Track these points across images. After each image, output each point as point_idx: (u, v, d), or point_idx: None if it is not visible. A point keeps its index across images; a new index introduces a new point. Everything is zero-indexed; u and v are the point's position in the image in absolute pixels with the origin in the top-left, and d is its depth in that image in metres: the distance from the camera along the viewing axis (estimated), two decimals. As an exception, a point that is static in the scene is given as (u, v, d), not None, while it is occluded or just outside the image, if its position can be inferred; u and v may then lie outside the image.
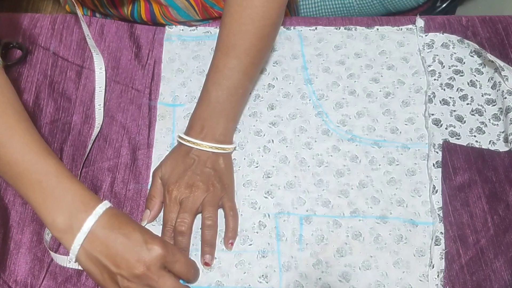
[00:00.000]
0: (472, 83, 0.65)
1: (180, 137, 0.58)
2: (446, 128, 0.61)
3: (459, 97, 0.64)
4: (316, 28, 0.69)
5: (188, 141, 0.56)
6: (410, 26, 0.69)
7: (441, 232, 0.55)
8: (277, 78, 0.65)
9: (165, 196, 0.56)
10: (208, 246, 0.54)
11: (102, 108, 0.63)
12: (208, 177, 0.56)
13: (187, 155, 0.57)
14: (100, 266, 0.48)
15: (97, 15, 0.73)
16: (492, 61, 0.63)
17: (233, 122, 0.60)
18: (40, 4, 1.45)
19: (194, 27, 0.70)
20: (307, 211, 0.57)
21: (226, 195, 0.56)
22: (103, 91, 0.64)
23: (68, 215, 0.47)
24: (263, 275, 0.53)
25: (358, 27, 0.69)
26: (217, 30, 0.69)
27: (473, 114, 0.62)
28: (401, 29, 0.69)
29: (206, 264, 0.53)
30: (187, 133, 0.58)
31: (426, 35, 0.68)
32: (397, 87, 0.65)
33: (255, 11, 0.56)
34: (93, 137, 0.61)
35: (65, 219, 0.47)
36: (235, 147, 0.60)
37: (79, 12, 0.66)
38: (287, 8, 0.73)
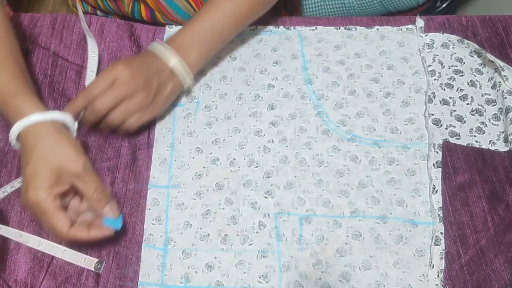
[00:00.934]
0: (472, 83, 0.65)
1: (153, 43, 0.58)
2: (446, 128, 0.61)
3: (459, 97, 0.64)
4: (316, 28, 0.69)
5: (163, 47, 0.57)
6: (410, 26, 0.69)
7: (441, 232, 0.55)
8: (277, 78, 0.65)
9: (109, 67, 0.55)
10: (88, 127, 0.56)
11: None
12: (150, 85, 0.55)
13: (151, 58, 0.57)
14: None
15: (98, 12, 0.73)
16: (492, 61, 0.63)
17: (205, 58, 0.61)
18: (40, 3, 1.45)
19: (194, 27, 0.70)
20: (307, 211, 0.57)
21: (146, 110, 0.56)
22: (94, 75, 0.63)
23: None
24: (263, 275, 0.53)
25: (358, 27, 0.69)
26: (217, 30, 0.69)
27: (473, 114, 0.62)
28: (401, 29, 0.69)
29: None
30: (162, 44, 0.58)
31: (426, 35, 0.68)
32: (397, 87, 0.65)
33: None
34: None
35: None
36: (190, 86, 0.61)
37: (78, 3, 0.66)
38: (283, 9, 0.73)
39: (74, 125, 0.54)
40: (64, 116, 0.52)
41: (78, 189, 0.50)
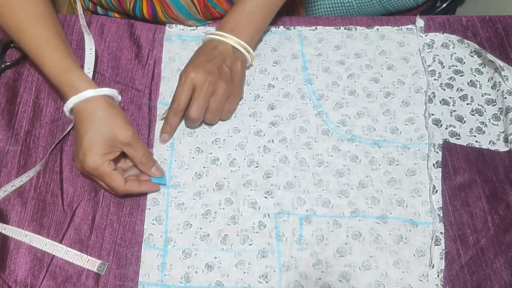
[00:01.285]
0: (472, 83, 0.65)
1: (208, 32, 0.61)
2: (446, 128, 0.61)
3: (459, 97, 0.64)
4: (316, 28, 0.69)
5: (216, 33, 0.60)
6: (410, 26, 0.69)
7: (441, 232, 0.55)
8: (277, 78, 0.65)
9: (181, 77, 0.58)
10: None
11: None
12: (224, 73, 0.58)
13: (211, 50, 0.60)
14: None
15: (99, 9, 0.73)
16: (492, 61, 0.63)
17: (258, 34, 0.64)
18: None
19: (194, 27, 0.70)
20: (307, 211, 0.57)
21: (233, 95, 0.60)
22: (91, 72, 0.63)
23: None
24: (263, 275, 0.53)
25: (358, 27, 0.69)
26: (217, 30, 0.69)
27: (473, 114, 0.62)
28: (401, 29, 0.69)
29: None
30: (215, 30, 0.62)
31: (426, 35, 0.68)
32: (397, 87, 0.65)
33: None
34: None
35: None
36: (253, 59, 0.63)
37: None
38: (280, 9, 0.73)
39: (119, 98, 0.58)
40: (112, 91, 0.56)
41: (128, 154, 0.55)
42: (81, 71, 0.57)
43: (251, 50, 0.62)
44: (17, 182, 0.58)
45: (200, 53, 0.60)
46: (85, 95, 0.54)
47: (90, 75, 0.62)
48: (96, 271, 0.53)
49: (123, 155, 0.56)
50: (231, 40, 0.60)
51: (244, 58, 0.62)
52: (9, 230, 0.55)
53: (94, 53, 0.64)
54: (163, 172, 0.58)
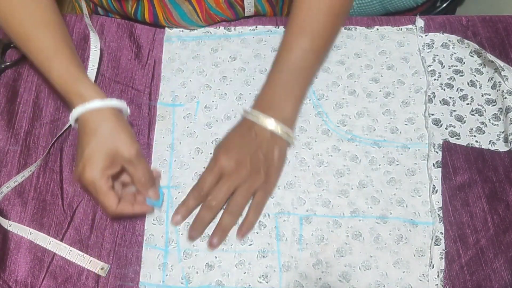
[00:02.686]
0: (472, 83, 0.65)
1: (245, 111, 0.58)
2: (446, 128, 0.61)
3: (459, 97, 0.64)
4: (316, 28, 0.69)
5: (254, 115, 0.56)
6: (410, 26, 0.69)
7: (441, 232, 0.55)
8: (277, 78, 0.65)
9: (212, 159, 0.56)
10: (221, 230, 0.54)
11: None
12: (257, 162, 0.55)
13: (248, 130, 0.56)
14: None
15: (99, 10, 0.73)
16: (492, 61, 0.63)
17: (299, 106, 0.60)
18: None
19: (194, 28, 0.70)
20: (307, 211, 0.57)
21: (264, 187, 0.56)
22: (95, 69, 0.63)
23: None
24: (263, 275, 0.53)
25: (358, 27, 0.69)
26: (217, 30, 0.69)
27: (473, 114, 0.62)
28: (401, 29, 0.69)
29: (211, 245, 0.54)
30: (253, 109, 0.58)
31: (426, 35, 0.68)
32: (397, 87, 0.65)
33: None
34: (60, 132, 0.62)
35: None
36: (294, 141, 0.59)
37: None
38: (280, 10, 0.73)
39: (128, 111, 0.57)
40: (121, 103, 0.55)
41: (128, 171, 0.54)
42: (89, 80, 0.55)
43: (291, 133, 0.57)
44: (19, 178, 0.58)
45: (235, 133, 0.57)
46: (92, 106, 0.52)
47: (94, 73, 0.63)
48: (97, 273, 0.53)
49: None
50: (268, 123, 0.56)
51: (283, 142, 0.57)
52: (15, 227, 0.55)
53: (99, 51, 0.64)
54: (160, 196, 0.56)
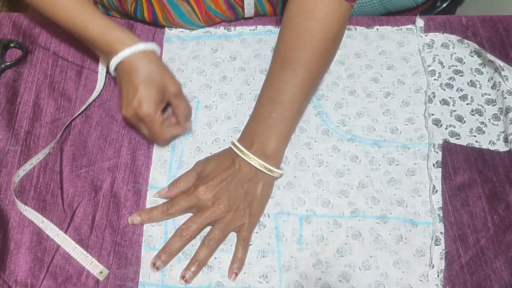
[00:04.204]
0: (472, 83, 0.65)
1: (232, 142, 0.57)
2: (446, 128, 0.61)
3: (459, 97, 0.64)
4: (316, 28, 0.69)
5: (238, 148, 0.55)
6: (410, 26, 0.69)
7: (441, 232, 0.55)
8: (277, 78, 0.65)
9: (191, 187, 0.56)
10: (195, 264, 0.53)
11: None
12: (236, 199, 0.54)
13: (231, 161, 0.56)
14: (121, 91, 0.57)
15: (100, 8, 0.73)
16: (492, 61, 0.63)
17: (284, 141, 0.57)
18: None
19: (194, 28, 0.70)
20: (307, 211, 0.57)
21: (246, 224, 0.54)
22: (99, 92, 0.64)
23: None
24: (263, 275, 0.53)
25: (358, 27, 0.69)
26: (217, 30, 0.69)
27: (473, 114, 0.62)
28: (401, 29, 0.69)
29: (183, 278, 0.53)
30: (238, 141, 0.57)
31: (426, 35, 0.68)
32: (397, 87, 0.65)
33: (315, 23, 0.53)
34: (90, 100, 0.63)
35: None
36: (282, 175, 0.57)
37: None
38: (280, 9, 0.73)
39: (158, 53, 0.59)
40: (157, 47, 0.58)
41: (173, 105, 0.58)
42: (125, 28, 0.58)
43: (273, 169, 0.55)
44: (41, 155, 0.60)
45: (219, 162, 0.56)
46: (138, 48, 0.55)
47: (105, 69, 0.64)
48: (95, 275, 0.53)
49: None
50: (252, 160, 0.54)
51: (268, 178, 0.56)
52: (29, 213, 0.56)
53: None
54: (191, 128, 0.62)
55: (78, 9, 0.57)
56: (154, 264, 0.53)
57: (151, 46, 0.56)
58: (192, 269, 0.53)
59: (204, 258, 0.53)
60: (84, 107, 0.63)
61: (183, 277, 0.53)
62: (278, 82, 0.56)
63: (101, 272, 0.53)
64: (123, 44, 0.55)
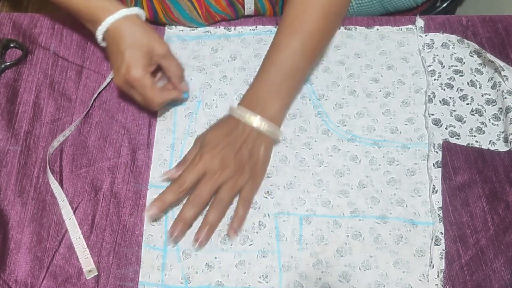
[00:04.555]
0: (472, 83, 0.65)
1: (231, 108, 0.58)
2: (446, 128, 0.61)
3: (459, 97, 0.64)
4: (316, 28, 0.69)
5: (241, 112, 0.57)
6: (410, 26, 0.69)
7: (441, 232, 0.55)
8: (277, 78, 0.65)
9: (196, 156, 0.55)
10: (206, 227, 0.54)
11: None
12: (241, 160, 0.55)
13: (234, 127, 0.56)
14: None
15: None
16: (492, 61, 0.63)
17: (286, 106, 0.60)
18: (40, 4, 1.45)
19: (194, 28, 0.70)
20: (307, 211, 0.57)
21: (249, 184, 0.56)
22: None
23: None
24: (263, 275, 0.53)
25: (358, 27, 0.69)
26: (217, 30, 0.69)
27: (473, 114, 0.62)
28: (401, 29, 0.69)
29: (198, 241, 0.53)
30: (240, 105, 0.58)
31: (426, 35, 0.68)
32: (397, 87, 0.65)
33: None
34: (102, 86, 0.65)
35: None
36: (281, 138, 0.60)
37: None
38: (280, 10, 0.73)
39: (143, 17, 0.59)
40: (140, 10, 0.59)
41: (163, 66, 0.58)
42: None
43: (276, 131, 0.57)
44: (61, 137, 0.61)
45: (221, 129, 0.57)
46: (121, 14, 0.55)
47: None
48: (84, 272, 0.53)
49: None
50: (254, 121, 0.56)
51: (269, 140, 0.58)
52: (56, 188, 0.58)
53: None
54: (188, 89, 0.62)
55: None
56: (172, 234, 0.53)
57: (134, 10, 0.57)
58: (204, 231, 0.53)
59: (214, 221, 0.54)
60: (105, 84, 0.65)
61: (196, 239, 0.53)
62: (285, 48, 0.58)
63: (90, 271, 0.53)
64: (107, 12, 0.56)
